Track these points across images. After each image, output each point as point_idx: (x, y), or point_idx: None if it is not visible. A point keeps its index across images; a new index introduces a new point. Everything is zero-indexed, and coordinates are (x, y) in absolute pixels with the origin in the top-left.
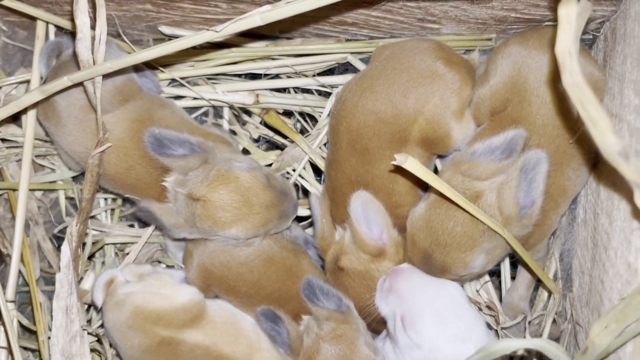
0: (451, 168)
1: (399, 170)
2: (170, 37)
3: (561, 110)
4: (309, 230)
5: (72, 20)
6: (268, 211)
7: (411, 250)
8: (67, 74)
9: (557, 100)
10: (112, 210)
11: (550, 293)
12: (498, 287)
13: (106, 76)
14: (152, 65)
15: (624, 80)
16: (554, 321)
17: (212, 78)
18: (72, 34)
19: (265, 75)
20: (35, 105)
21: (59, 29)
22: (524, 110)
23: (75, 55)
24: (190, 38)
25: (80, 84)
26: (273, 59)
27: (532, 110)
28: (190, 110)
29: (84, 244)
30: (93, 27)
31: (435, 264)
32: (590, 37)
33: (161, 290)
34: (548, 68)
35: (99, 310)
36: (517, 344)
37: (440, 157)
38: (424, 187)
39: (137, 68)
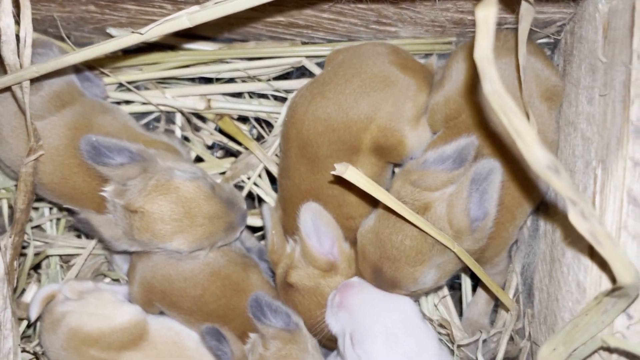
0: (401, 177)
1: (345, 180)
2: None
3: None
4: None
5: None
6: (212, 223)
7: (361, 264)
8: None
9: None
10: (58, 220)
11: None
12: (459, 301)
13: (38, 80)
14: (96, 69)
15: (579, 87)
16: (512, 339)
17: (163, 82)
18: None
19: (218, 79)
20: None
21: None
22: (477, 117)
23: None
24: (116, 41)
25: (9, 88)
26: (226, 62)
27: (486, 117)
28: (141, 116)
29: (25, 255)
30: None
31: (385, 279)
32: (552, 40)
33: (100, 310)
34: (504, 73)
35: (30, 325)
36: None
37: (398, 165)
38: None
39: (80, 71)
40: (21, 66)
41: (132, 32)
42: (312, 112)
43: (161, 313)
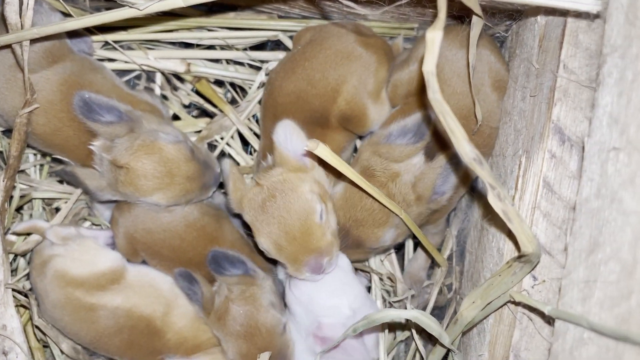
0: (369, 149)
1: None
2: None
3: (467, 102)
4: None
5: None
6: (190, 182)
7: None
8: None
9: (465, 93)
10: (42, 165)
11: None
12: (402, 258)
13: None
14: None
15: (517, 83)
16: (442, 291)
17: (146, 43)
18: None
19: (199, 45)
20: None
21: None
22: None
23: (3, 18)
24: (113, 13)
25: (8, 46)
26: (207, 30)
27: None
28: (123, 73)
29: (12, 198)
30: None
31: (352, 239)
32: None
33: (83, 256)
34: (461, 62)
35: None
36: (394, 314)
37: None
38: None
39: None
40: (22, 26)
41: (130, 7)
42: (285, 87)
43: (144, 262)
